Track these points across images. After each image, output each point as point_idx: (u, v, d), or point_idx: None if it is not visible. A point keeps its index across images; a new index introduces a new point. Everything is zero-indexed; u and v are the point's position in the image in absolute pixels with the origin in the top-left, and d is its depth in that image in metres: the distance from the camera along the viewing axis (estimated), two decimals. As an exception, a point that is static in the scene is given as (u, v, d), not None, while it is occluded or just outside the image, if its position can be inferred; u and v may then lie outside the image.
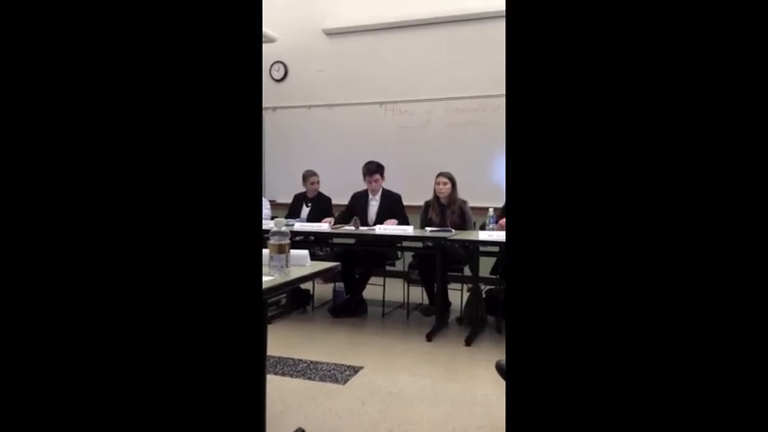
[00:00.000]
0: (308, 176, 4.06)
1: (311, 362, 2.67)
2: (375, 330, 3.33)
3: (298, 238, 3.53)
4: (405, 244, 3.67)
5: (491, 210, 3.38)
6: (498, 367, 2.08)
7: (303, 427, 1.90)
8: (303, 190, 4.13)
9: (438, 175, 3.57)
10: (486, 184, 4.40)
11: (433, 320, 3.30)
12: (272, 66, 5.32)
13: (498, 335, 3.20)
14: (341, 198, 4.05)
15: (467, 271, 3.49)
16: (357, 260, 3.66)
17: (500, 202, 3.63)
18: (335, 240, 3.96)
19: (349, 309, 3.62)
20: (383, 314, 3.65)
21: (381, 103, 4.91)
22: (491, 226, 3.30)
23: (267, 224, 3.50)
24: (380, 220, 3.67)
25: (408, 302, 3.73)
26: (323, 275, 1.85)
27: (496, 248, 3.26)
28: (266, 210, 4.16)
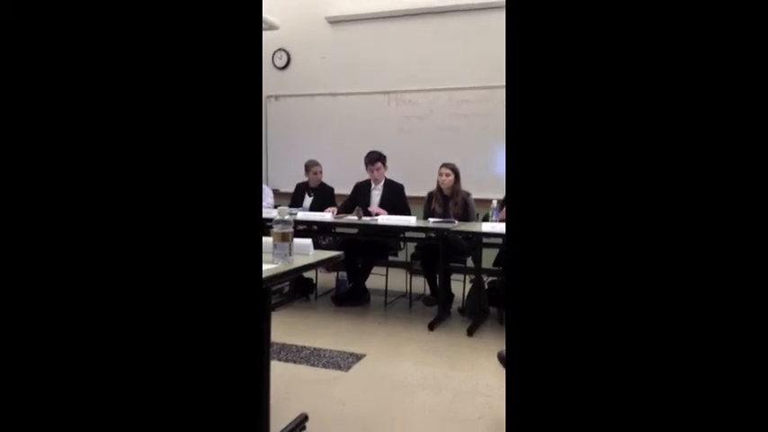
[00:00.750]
0: (311, 166, 4.06)
1: (314, 349, 2.69)
2: (378, 319, 3.35)
3: (301, 227, 3.54)
4: (407, 234, 3.67)
5: (494, 201, 3.38)
6: (500, 357, 2.10)
7: (306, 412, 1.92)
8: (305, 179, 4.13)
9: (441, 166, 3.57)
10: (490, 175, 4.39)
11: (436, 310, 3.31)
12: (274, 53, 5.30)
13: (500, 326, 3.22)
14: (344, 188, 4.05)
15: (470, 262, 3.50)
16: (360, 250, 3.67)
17: (503, 193, 3.62)
18: (338, 230, 3.97)
19: (352, 298, 3.64)
20: (386, 303, 3.66)
21: (385, 93, 4.89)
22: (494, 217, 3.30)
23: (270, 213, 3.53)
24: (383, 209, 3.67)
25: (411, 292, 3.74)
26: (326, 264, 1.86)
27: (499, 240, 3.27)
28: (269, 199, 4.17)
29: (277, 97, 5.32)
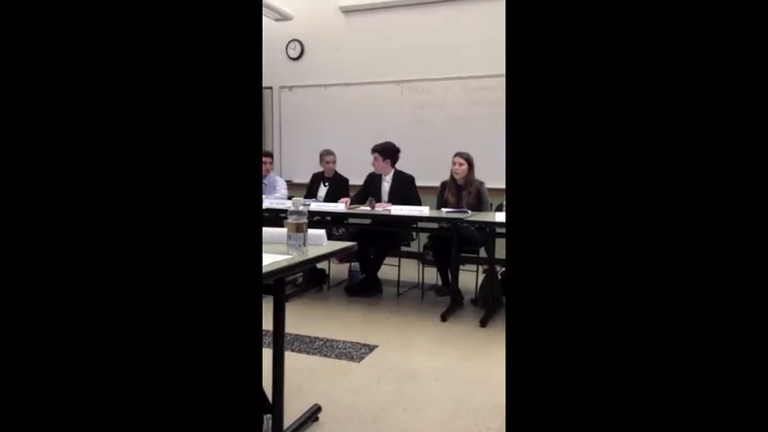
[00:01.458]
0: (324, 155, 4.07)
1: (327, 339, 2.70)
2: (390, 310, 3.35)
3: (315, 218, 3.55)
4: (420, 225, 3.67)
5: (508, 191, 3.35)
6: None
7: (319, 403, 1.93)
8: (321, 169, 4.14)
9: (455, 156, 3.55)
10: (504, 164, 4.34)
11: (448, 301, 3.31)
12: (288, 44, 5.29)
13: (513, 316, 3.20)
14: (357, 178, 4.05)
15: (483, 253, 3.48)
16: (372, 240, 3.68)
17: (517, 183, 3.59)
18: (351, 221, 3.98)
19: (364, 288, 3.65)
20: (398, 294, 3.67)
21: (398, 82, 4.86)
22: (508, 207, 3.27)
23: (284, 204, 3.54)
24: (392, 200, 3.67)
25: (423, 283, 3.74)
26: (339, 255, 1.87)
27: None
28: (283, 189, 4.18)
29: (291, 88, 5.32)
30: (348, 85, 5.06)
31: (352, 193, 3.90)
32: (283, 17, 5.07)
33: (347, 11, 5.04)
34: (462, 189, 3.55)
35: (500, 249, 3.35)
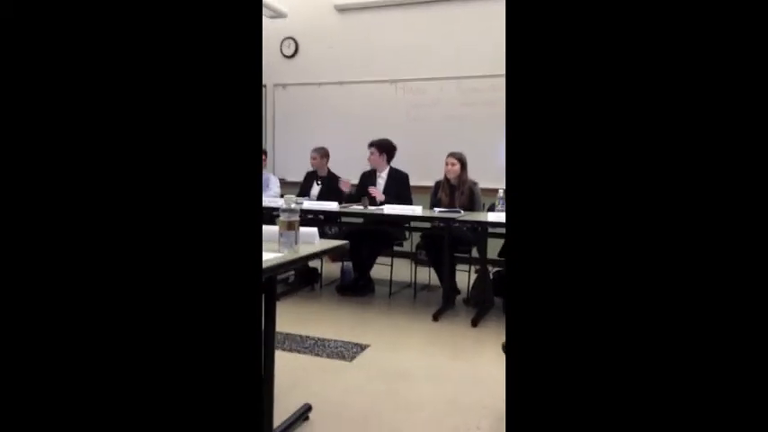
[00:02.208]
0: (311, 153, 4.04)
1: (319, 339, 2.70)
2: (382, 309, 3.35)
3: (309, 217, 3.54)
4: (413, 224, 3.66)
5: (500, 191, 3.36)
6: (504, 348, 2.09)
7: (310, 402, 1.92)
8: (314, 168, 4.12)
9: (448, 156, 3.55)
10: (498, 164, 4.35)
11: (440, 301, 3.31)
12: (282, 42, 5.27)
13: (505, 316, 3.21)
14: (351, 177, 4.03)
15: (475, 253, 3.48)
16: (365, 239, 3.67)
17: (510, 183, 3.60)
18: (344, 219, 3.97)
19: (356, 288, 3.64)
20: (390, 294, 3.67)
21: (392, 81, 4.85)
22: (500, 207, 3.28)
23: (276, 201, 3.53)
24: (386, 198, 3.66)
25: (415, 283, 3.74)
26: (331, 254, 1.86)
27: (505, 230, 3.25)
28: (275, 188, 4.16)
29: (285, 86, 5.30)
30: (342, 83, 5.05)
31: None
32: (278, 14, 5.05)
33: (342, 9, 5.03)
34: (455, 189, 3.55)
35: (492, 249, 3.36)
